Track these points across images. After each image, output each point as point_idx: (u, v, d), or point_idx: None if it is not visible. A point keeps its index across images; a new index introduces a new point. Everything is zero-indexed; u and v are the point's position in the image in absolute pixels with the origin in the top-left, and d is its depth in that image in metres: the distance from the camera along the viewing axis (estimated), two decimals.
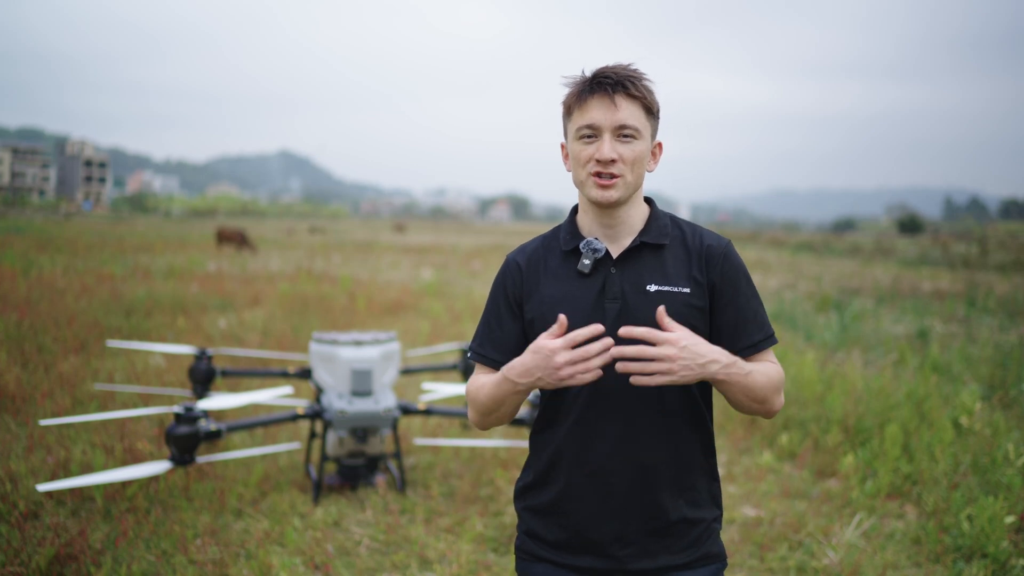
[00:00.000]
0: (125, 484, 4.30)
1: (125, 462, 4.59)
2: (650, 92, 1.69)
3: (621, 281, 1.70)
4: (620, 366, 1.55)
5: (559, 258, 1.77)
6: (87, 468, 4.49)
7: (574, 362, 1.54)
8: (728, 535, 4.20)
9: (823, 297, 14.06)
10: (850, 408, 6.00)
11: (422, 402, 5.59)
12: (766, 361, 1.74)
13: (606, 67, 1.69)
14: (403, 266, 21.83)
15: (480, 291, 15.31)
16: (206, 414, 4.22)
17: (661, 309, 1.56)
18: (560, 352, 1.54)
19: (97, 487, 4.19)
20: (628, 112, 1.65)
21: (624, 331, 1.53)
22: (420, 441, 5.38)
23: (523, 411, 4.66)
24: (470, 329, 10.25)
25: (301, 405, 5.36)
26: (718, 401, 6.16)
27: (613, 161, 1.65)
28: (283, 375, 5.69)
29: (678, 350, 1.52)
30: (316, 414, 4.64)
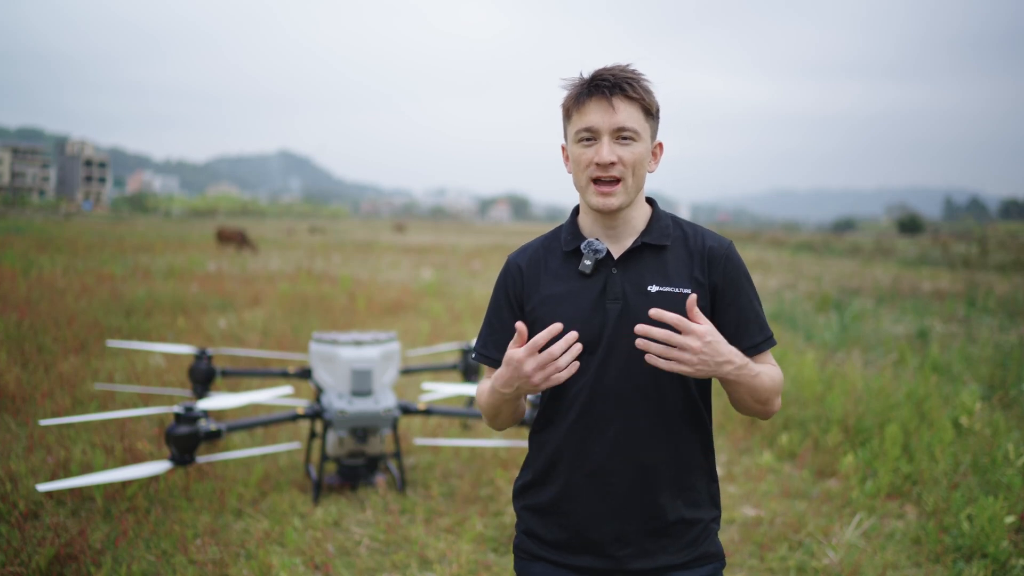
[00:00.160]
0: (125, 484, 4.30)
1: (125, 462, 4.59)
2: (648, 93, 1.68)
3: (622, 282, 1.70)
4: (641, 343, 1.55)
5: (560, 259, 1.77)
6: (87, 468, 4.49)
7: (542, 366, 1.56)
8: (728, 535, 4.20)
9: (823, 297, 14.06)
10: (850, 408, 6.00)
11: (422, 402, 5.59)
12: (767, 363, 1.75)
13: (604, 69, 1.69)
14: (403, 266, 21.83)
15: (480, 291, 15.31)
16: (206, 414, 4.22)
17: (692, 299, 1.55)
18: (526, 360, 1.56)
19: (97, 487, 4.19)
20: (626, 114, 1.65)
21: (655, 313, 1.54)
22: (420, 441, 5.38)
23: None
24: (470, 329, 10.25)
25: (301, 405, 5.36)
26: (718, 401, 6.16)
27: (612, 164, 1.65)
28: (283, 375, 5.69)
29: (702, 344, 1.53)
30: (316, 414, 4.64)
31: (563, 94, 1.73)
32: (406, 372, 6.00)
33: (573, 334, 1.57)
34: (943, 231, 72.19)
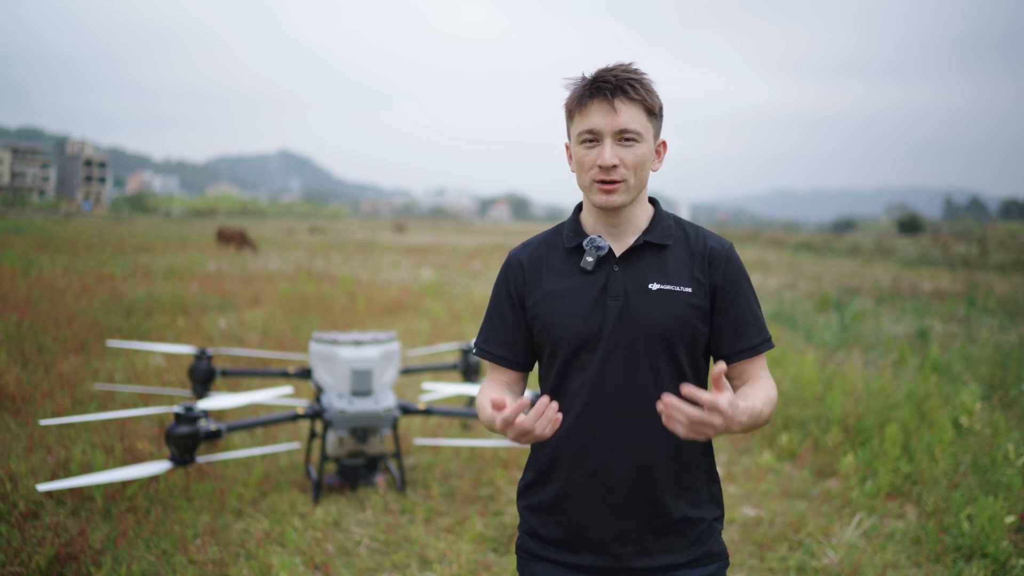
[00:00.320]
0: (125, 484, 4.30)
1: (125, 462, 4.59)
2: (650, 93, 1.68)
3: (624, 279, 1.70)
4: (666, 417, 1.49)
5: (562, 255, 1.77)
6: (87, 468, 4.49)
7: (524, 433, 1.53)
8: (728, 535, 4.20)
9: (823, 297, 14.06)
10: (850, 408, 6.00)
11: (422, 402, 5.59)
12: (760, 375, 1.75)
13: (605, 69, 1.68)
14: (403, 266, 21.83)
15: (480, 291, 15.31)
16: (206, 414, 4.22)
17: (721, 367, 1.48)
18: (508, 428, 1.53)
19: (97, 487, 4.19)
20: (628, 116, 1.65)
21: (689, 392, 1.47)
22: (420, 441, 5.38)
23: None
24: (470, 329, 10.25)
25: (301, 405, 5.36)
26: None
27: (615, 167, 1.66)
28: (283, 375, 5.69)
29: (723, 420, 1.46)
30: (316, 414, 4.64)
31: (565, 94, 1.73)
32: (406, 372, 6.00)
33: (548, 403, 1.53)
34: (943, 231, 72.18)
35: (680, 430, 1.48)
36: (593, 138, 1.67)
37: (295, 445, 5.16)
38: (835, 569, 3.80)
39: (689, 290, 1.70)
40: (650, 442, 1.69)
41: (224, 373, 5.59)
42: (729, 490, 4.90)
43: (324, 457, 4.60)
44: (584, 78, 1.70)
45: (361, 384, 4.67)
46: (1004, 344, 9.21)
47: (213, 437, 4.21)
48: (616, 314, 1.68)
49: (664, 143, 1.77)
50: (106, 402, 6.04)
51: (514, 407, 1.51)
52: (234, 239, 25.48)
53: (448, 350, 7.89)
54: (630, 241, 1.74)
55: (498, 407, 1.52)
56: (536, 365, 1.86)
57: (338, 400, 4.61)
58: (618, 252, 1.73)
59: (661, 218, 1.78)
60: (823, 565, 3.85)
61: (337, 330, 9.49)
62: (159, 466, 4.04)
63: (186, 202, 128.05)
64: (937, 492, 4.58)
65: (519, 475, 4.98)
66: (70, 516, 4.04)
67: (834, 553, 3.93)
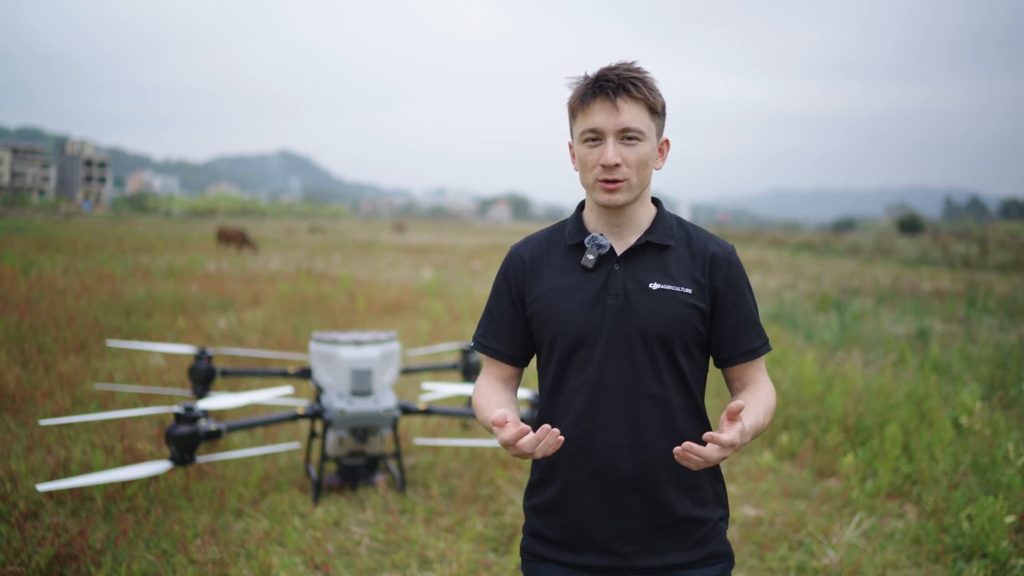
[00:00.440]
0: (125, 484, 4.30)
1: (125, 462, 4.59)
2: (653, 91, 1.68)
3: (624, 278, 1.71)
4: (683, 460, 1.53)
5: (563, 252, 1.78)
6: (87, 468, 4.49)
7: (522, 455, 1.56)
8: (728, 535, 4.19)
9: (823, 297, 14.06)
10: (850, 408, 6.00)
11: (422, 402, 5.59)
12: (759, 378, 1.77)
13: (608, 68, 1.68)
14: (403, 266, 21.82)
15: (480, 291, 15.31)
16: (206, 414, 4.22)
17: (739, 405, 1.51)
18: (510, 447, 1.55)
19: (97, 487, 4.19)
20: (631, 115, 1.65)
21: (709, 437, 1.51)
22: (420, 441, 5.38)
23: (523, 411, 4.65)
24: (470, 329, 10.25)
25: (301, 405, 5.36)
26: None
27: (617, 166, 1.66)
28: (283, 375, 5.69)
29: (730, 450, 1.53)
30: (316, 414, 4.64)
31: (567, 93, 1.73)
32: (406, 372, 6.00)
33: (553, 434, 1.55)
34: (943, 231, 72.14)
35: (693, 467, 1.54)
36: (596, 137, 1.67)
37: (295, 445, 5.16)
38: (835, 569, 3.80)
39: (689, 291, 1.70)
40: (651, 441, 1.69)
41: (224, 373, 5.59)
42: (729, 490, 4.90)
43: (324, 457, 4.60)
44: (587, 77, 1.70)
45: (361, 384, 4.67)
46: (1004, 344, 9.21)
47: (213, 437, 4.21)
48: (616, 312, 1.68)
49: (667, 141, 1.77)
50: (106, 402, 6.04)
51: (516, 432, 1.53)
52: (234, 239, 25.47)
53: (448, 350, 7.89)
54: (632, 240, 1.74)
55: (499, 424, 1.54)
56: (535, 362, 1.87)
57: (338, 400, 4.61)
58: (619, 251, 1.73)
59: (663, 218, 1.78)
60: (823, 565, 3.85)
61: (337, 330, 9.49)
62: (159, 466, 4.04)
63: (186, 202, 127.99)
64: (937, 492, 4.58)
65: (519, 475, 4.98)
66: (70, 516, 4.04)
67: (834, 553, 3.93)
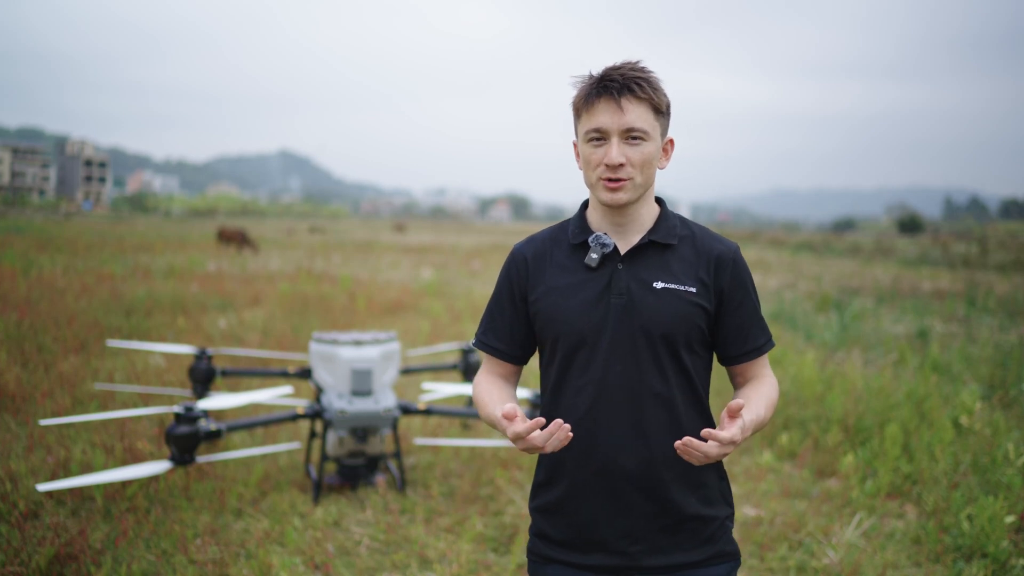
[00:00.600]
0: (125, 484, 4.30)
1: (125, 462, 4.59)
2: (657, 91, 1.68)
3: (628, 277, 1.71)
4: (683, 454, 1.55)
5: (566, 251, 1.78)
6: (87, 468, 4.49)
7: (533, 449, 1.56)
8: None
9: (823, 297, 14.06)
10: (850, 408, 6.00)
11: (422, 402, 5.59)
12: (764, 374, 1.79)
13: (612, 68, 1.69)
14: (403, 266, 21.82)
15: (480, 291, 15.31)
16: (206, 414, 4.22)
17: (738, 404, 1.54)
18: (518, 441, 1.56)
19: (97, 487, 4.19)
20: (635, 115, 1.65)
21: (707, 434, 1.53)
22: (420, 441, 5.38)
23: (523, 411, 4.65)
24: (470, 329, 10.25)
25: (301, 405, 5.36)
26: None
27: (621, 165, 1.66)
28: (283, 375, 5.69)
29: (731, 447, 1.54)
30: (316, 414, 4.64)
31: (571, 92, 1.73)
32: (406, 372, 6.00)
33: (564, 429, 1.56)
34: (943, 231, 72.13)
35: (695, 462, 1.56)
36: (600, 136, 1.67)
37: (295, 445, 5.16)
38: (835, 569, 3.80)
39: (693, 289, 1.71)
40: (656, 440, 1.69)
41: (224, 373, 5.59)
42: None
43: (324, 457, 4.60)
44: (591, 76, 1.70)
45: (361, 384, 4.67)
46: (1004, 344, 9.21)
47: (213, 437, 4.21)
48: (620, 311, 1.69)
49: (671, 141, 1.78)
50: (106, 402, 6.04)
51: (528, 426, 1.54)
52: (235, 239, 25.47)
53: (448, 350, 7.89)
54: (635, 239, 1.75)
55: (509, 418, 1.55)
56: (535, 361, 1.88)
57: (338, 400, 4.61)
58: (623, 250, 1.74)
59: (666, 217, 1.78)
60: (823, 565, 3.85)
61: (337, 330, 9.49)
62: (159, 466, 4.04)
63: (186, 202, 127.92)
64: (937, 492, 4.59)
65: (519, 475, 4.98)
66: (70, 516, 4.04)
67: (834, 553, 3.93)
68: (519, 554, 3.86)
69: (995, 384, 7.18)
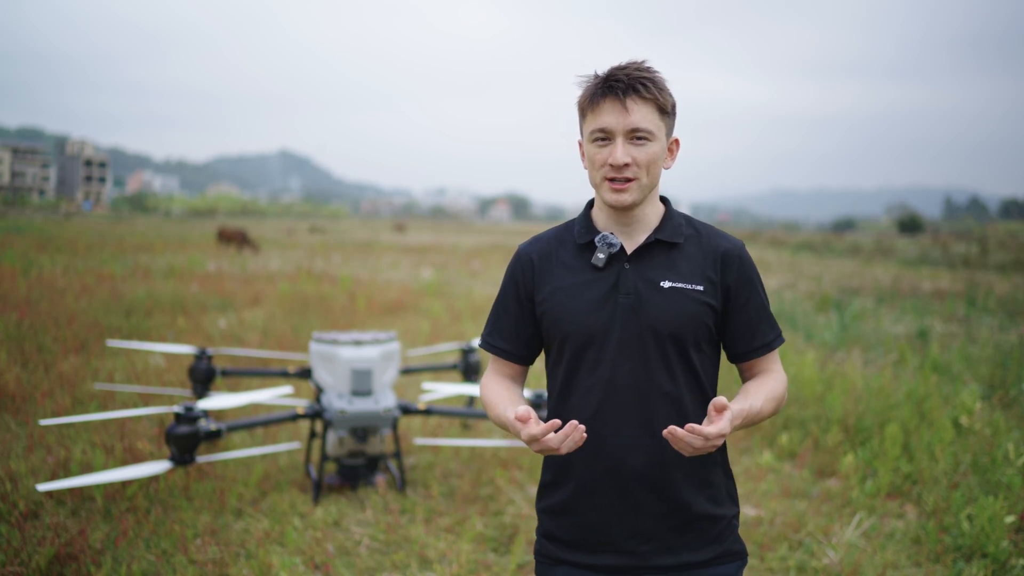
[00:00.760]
0: (125, 484, 4.30)
1: (125, 462, 4.59)
2: (662, 91, 1.68)
3: (635, 277, 1.71)
4: (673, 443, 1.55)
5: (572, 251, 1.78)
6: (87, 468, 4.49)
7: (547, 450, 1.56)
8: None
9: (823, 297, 14.06)
10: (850, 408, 6.00)
11: (422, 402, 5.59)
12: (772, 369, 1.78)
13: (618, 68, 1.68)
14: (403, 266, 21.82)
15: (480, 291, 15.31)
16: (206, 414, 4.22)
17: (721, 401, 1.54)
18: (532, 443, 1.55)
19: (97, 487, 4.19)
20: (640, 115, 1.65)
21: (691, 428, 1.53)
22: (420, 441, 5.38)
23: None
24: (470, 329, 10.25)
25: (301, 405, 5.36)
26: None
27: (626, 165, 1.66)
28: (283, 375, 5.69)
29: (719, 440, 1.54)
30: (316, 414, 4.64)
31: (576, 92, 1.73)
32: (406, 372, 6.00)
33: (579, 430, 1.56)
34: (943, 231, 72.10)
35: (685, 453, 1.56)
36: (605, 136, 1.67)
37: (295, 445, 5.16)
38: (835, 569, 3.80)
39: (700, 288, 1.71)
40: (665, 439, 1.69)
41: (224, 373, 5.59)
42: None
43: (324, 457, 4.60)
44: (597, 76, 1.70)
45: (361, 384, 4.67)
46: (1004, 344, 9.22)
47: (213, 437, 4.21)
48: (627, 311, 1.68)
49: (677, 141, 1.78)
50: (106, 402, 6.04)
51: (544, 428, 1.53)
52: (235, 239, 25.46)
53: (448, 350, 7.89)
54: (641, 239, 1.75)
55: (523, 420, 1.55)
56: (540, 362, 1.87)
57: (338, 400, 4.61)
58: (629, 250, 1.74)
59: (672, 216, 1.79)
60: (823, 565, 3.85)
61: (337, 330, 9.49)
62: (159, 466, 4.04)
63: (186, 202, 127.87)
64: (937, 492, 4.59)
65: (519, 475, 4.98)
66: (70, 516, 4.04)
67: (834, 553, 3.93)
68: (519, 554, 3.85)
69: (995, 384, 7.18)
